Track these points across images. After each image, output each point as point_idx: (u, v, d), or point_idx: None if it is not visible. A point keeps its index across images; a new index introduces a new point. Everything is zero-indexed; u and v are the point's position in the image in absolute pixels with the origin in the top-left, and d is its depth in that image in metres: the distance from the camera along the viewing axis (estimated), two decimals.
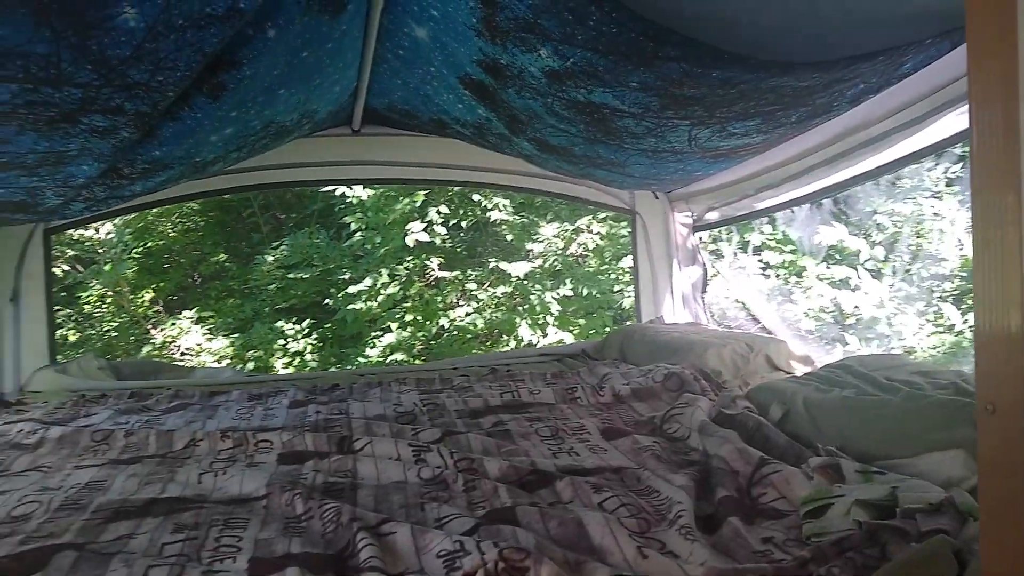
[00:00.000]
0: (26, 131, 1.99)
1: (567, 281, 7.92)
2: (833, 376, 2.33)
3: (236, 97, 2.23)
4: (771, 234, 7.31)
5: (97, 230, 7.92)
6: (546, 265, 8.14)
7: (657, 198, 4.23)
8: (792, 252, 7.30)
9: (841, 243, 6.77)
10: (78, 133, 2.06)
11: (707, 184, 3.63)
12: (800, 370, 2.87)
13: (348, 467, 1.98)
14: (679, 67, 1.91)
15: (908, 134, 2.39)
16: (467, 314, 8.08)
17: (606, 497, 1.63)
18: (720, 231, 5.37)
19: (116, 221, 7.83)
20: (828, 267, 7.06)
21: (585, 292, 7.84)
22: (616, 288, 8.09)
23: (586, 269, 8.22)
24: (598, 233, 7.98)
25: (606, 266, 8.17)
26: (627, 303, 7.81)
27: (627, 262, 7.50)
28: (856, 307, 6.62)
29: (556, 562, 1.25)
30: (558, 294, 7.84)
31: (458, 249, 8.64)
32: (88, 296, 8.16)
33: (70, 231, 7.26)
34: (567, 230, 8.12)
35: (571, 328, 7.80)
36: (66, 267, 8.08)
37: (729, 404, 2.28)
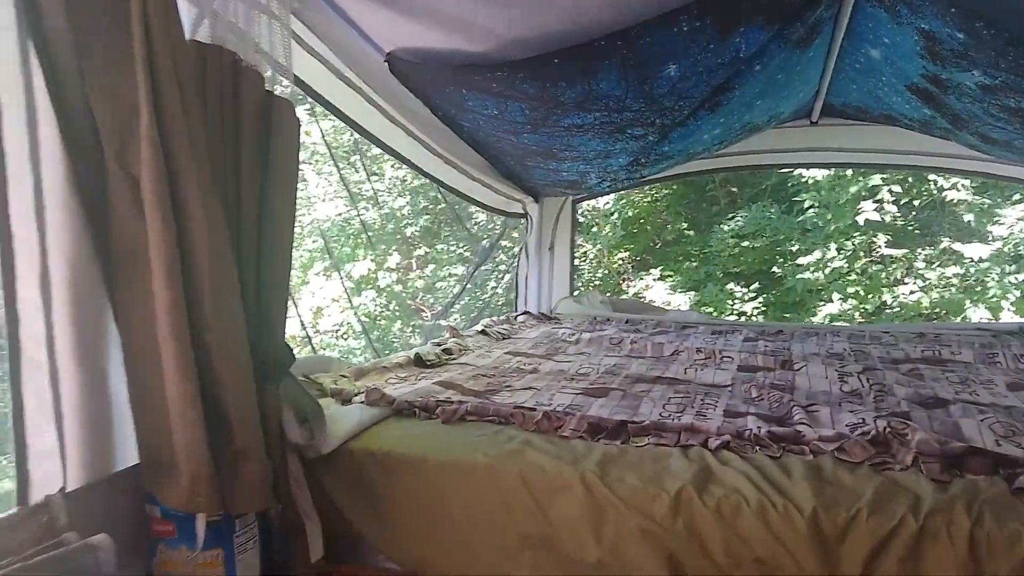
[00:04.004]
0: (594, 139, 3.13)
1: None
2: None
3: (727, 109, 3.09)
4: None
5: (597, 200, 9.72)
6: (1006, 248, 7.67)
7: None
8: None
9: None
10: (623, 138, 3.14)
11: None
12: None
13: (788, 379, 2.75)
14: None
15: None
16: (911, 292, 8.04)
17: (987, 416, 2.12)
18: None
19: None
20: None
21: None
22: None
23: None
24: None
25: None
26: None
27: None
28: None
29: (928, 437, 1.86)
30: (1018, 279, 7.40)
31: (908, 227, 8.53)
32: (582, 253, 10.03)
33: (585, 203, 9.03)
34: None
35: None
36: None
37: None
